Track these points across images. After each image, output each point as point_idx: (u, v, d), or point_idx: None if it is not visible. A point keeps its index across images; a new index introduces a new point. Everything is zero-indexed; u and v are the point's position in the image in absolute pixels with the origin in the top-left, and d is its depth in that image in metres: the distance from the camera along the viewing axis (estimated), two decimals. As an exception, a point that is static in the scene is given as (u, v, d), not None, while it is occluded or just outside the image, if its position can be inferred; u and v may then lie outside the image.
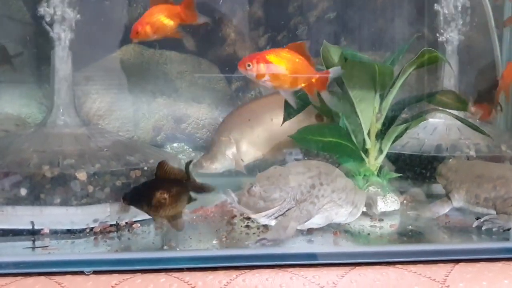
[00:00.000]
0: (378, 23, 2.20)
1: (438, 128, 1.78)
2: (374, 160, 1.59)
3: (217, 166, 1.81)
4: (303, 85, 1.43)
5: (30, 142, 1.45)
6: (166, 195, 1.25)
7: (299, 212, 1.27)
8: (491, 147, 1.70)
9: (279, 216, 1.29)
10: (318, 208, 1.30)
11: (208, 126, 2.20)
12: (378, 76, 1.50)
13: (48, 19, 1.53)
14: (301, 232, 1.33)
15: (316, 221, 1.32)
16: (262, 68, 1.42)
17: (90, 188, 1.35)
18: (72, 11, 1.54)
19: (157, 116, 2.18)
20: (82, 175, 1.34)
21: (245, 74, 1.43)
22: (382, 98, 1.56)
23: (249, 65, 1.41)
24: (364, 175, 1.57)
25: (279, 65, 1.42)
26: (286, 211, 1.28)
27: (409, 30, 2.15)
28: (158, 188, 1.26)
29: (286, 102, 1.59)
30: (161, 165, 1.29)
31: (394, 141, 1.60)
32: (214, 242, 1.29)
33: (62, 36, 1.53)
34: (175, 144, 2.20)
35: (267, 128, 1.81)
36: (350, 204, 1.36)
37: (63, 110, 1.53)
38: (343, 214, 1.36)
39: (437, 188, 1.63)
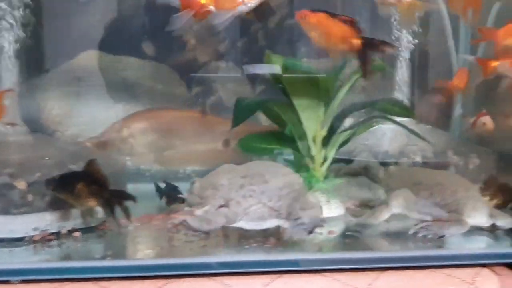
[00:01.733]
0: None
1: (387, 134, 1.81)
2: (320, 166, 1.61)
3: None
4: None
5: (-28, 151, 1.46)
6: (85, 188, 1.33)
7: (226, 210, 1.30)
8: (437, 153, 1.73)
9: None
10: (245, 209, 1.31)
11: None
12: (321, 86, 1.53)
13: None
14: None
15: (248, 223, 1.33)
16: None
17: (30, 197, 1.36)
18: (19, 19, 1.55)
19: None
20: (21, 184, 1.35)
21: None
22: (327, 106, 1.58)
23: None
24: (309, 181, 1.59)
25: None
26: (218, 208, 1.31)
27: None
28: (80, 180, 1.34)
29: (235, 108, 1.61)
30: (91, 162, 1.37)
31: (339, 148, 1.63)
32: (148, 251, 1.30)
33: (6, 45, 1.53)
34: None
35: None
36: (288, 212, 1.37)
37: (10, 118, 1.53)
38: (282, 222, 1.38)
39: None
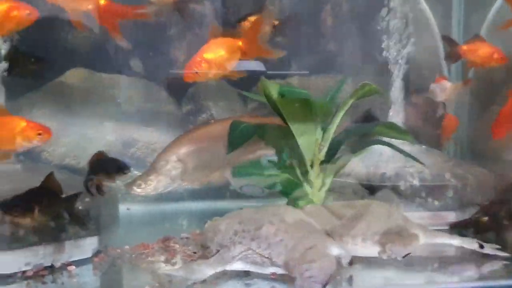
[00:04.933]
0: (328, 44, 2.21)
1: (383, 156, 1.79)
2: (318, 191, 1.59)
3: (157, 186, 1.75)
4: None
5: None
6: (36, 207, 1.29)
7: (217, 257, 1.28)
8: (434, 175, 1.71)
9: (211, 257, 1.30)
10: (233, 256, 1.28)
11: (159, 150, 2.15)
12: (316, 111, 1.50)
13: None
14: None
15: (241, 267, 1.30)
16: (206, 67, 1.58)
17: (21, 232, 1.31)
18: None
19: (104, 141, 2.13)
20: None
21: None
22: (324, 130, 1.55)
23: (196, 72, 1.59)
24: (308, 207, 1.57)
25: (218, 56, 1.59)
26: (214, 253, 1.30)
27: (358, 51, 2.17)
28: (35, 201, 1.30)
29: (230, 133, 1.58)
30: (49, 177, 1.34)
31: (337, 172, 1.61)
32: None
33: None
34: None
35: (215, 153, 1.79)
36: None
37: (-4, 147, 1.48)
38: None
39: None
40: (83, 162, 2.11)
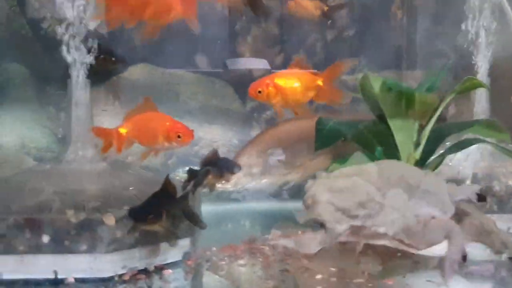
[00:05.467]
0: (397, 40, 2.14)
1: (471, 155, 1.71)
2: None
3: (238, 182, 1.69)
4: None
5: (48, 181, 1.33)
6: (164, 212, 1.24)
7: (323, 235, 1.25)
8: (529, 177, 1.64)
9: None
10: (339, 233, 1.23)
11: (222, 147, 2.10)
12: (418, 105, 1.43)
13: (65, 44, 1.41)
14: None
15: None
16: (273, 92, 1.51)
17: (118, 233, 1.24)
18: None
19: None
20: (110, 220, 1.23)
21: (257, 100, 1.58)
22: (421, 127, 1.48)
23: (259, 91, 1.52)
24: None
25: (288, 87, 1.51)
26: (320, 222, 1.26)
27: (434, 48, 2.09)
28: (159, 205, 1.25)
29: (317, 131, 1.51)
30: (167, 180, 1.28)
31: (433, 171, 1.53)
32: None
33: (78, 64, 1.41)
34: (187, 168, 2.09)
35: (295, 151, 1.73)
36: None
37: (81, 144, 1.42)
38: None
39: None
40: (147, 160, 2.05)
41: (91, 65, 1.44)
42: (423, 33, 2.08)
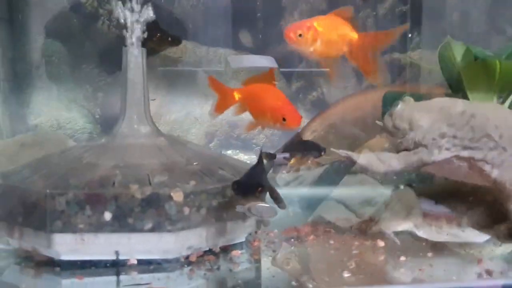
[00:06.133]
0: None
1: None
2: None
3: None
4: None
5: (105, 156, 1.23)
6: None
7: (414, 155, 1.15)
8: None
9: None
10: (434, 160, 1.15)
11: (266, 130, 2.00)
12: (499, 76, 1.32)
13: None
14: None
15: None
16: (312, 36, 1.35)
17: (186, 210, 1.14)
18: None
19: (209, 121, 1.97)
20: (178, 195, 1.12)
21: (293, 45, 1.36)
22: (501, 101, 1.38)
23: (300, 35, 1.34)
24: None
25: (329, 32, 1.36)
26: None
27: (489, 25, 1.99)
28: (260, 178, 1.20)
29: (384, 107, 1.41)
30: (261, 154, 1.21)
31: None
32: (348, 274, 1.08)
33: (135, 31, 1.31)
34: (229, 151, 1.99)
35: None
36: None
37: (138, 117, 1.31)
38: None
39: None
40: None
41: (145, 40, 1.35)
42: (477, 8, 1.98)
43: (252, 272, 1.17)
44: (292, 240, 1.32)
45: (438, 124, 1.16)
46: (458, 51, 1.29)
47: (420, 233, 1.27)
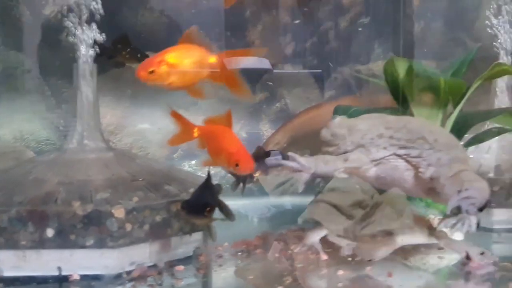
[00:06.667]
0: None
1: (492, 146, 1.64)
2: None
3: None
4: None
5: (53, 171, 1.24)
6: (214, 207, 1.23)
7: (354, 154, 1.20)
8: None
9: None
10: (373, 159, 1.20)
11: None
12: (444, 92, 1.35)
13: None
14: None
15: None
16: (165, 70, 1.27)
17: (128, 227, 1.16)
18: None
19: (173, 131, 1.98)
20: (119, 212, 1.14)
21: (148, 82, 1.27)
22: (446, 115, 1.41)
23: (152, 72, 1.25)
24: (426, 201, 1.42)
25: (182, 61, 1.29)
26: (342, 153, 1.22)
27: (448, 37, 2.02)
28: (209, 198, 1.23)
29: (334, 113, 1.44)
30: (209, 174, 1.25)
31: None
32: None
33: (84, 49, 1.33)
34: (193, 162, 2.01)
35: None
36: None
37: (88, 133, 1.33)
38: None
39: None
40: (151, 153, 1.97)
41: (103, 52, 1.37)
42: (438, 20, 2.01)
43: (196, 287, 1.19)
44: (240, 253, 1.35)
45: (376, 127, 1.21)
46: (401, 67, 1.31)
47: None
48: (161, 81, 1.26)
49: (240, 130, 2.03)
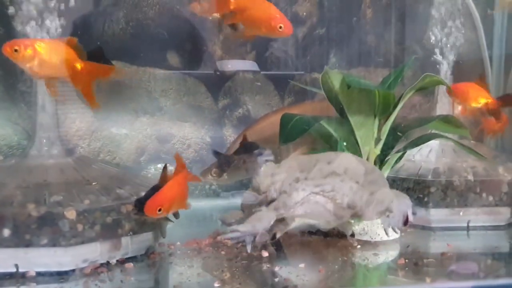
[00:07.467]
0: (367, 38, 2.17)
1: (433, 150, 1.75)
2: (373, 186, 1.54)
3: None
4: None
5: (12, 176, 1.35)
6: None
7: (278, 202, 1.34)
8: (488, 170, 1.67)
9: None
10: (296, 202, 1.35)
11: (194, 145, 2.12)
12: (379, 102, 1.46)
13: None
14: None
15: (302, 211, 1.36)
16: (28, 54, 1.36)
17: (80, 227, 1.26)
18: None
19: (140, 136, 2.09)
20: (71, 213, 1.25)
21: (10, 59, 1.37)
22: (382, 123, 1.51)
23: (16, 50, 1.35)
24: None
25: (48, 54, 1.38)
26: (269, 202, 1.36)
27: (400, 47, 2.13)
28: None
29: (281, 127, 1.54)
30: (164, 171, 1.35)
31: (392, 166, 1.57)
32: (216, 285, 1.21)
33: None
34: (159, 165, 2.11)
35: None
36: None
37: (47, 140, 1.43)
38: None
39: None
40: (118, 157, 2.07)
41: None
42: (393, 31, 2.11)
43: (144, 283, 1.29)
44: (189, 252, 1.45)
45: (292, 171, 1.38)
46: (336, 79, 1.42)
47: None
48: (22, 61, 1.36)
49: (204, 135, 2.13)
